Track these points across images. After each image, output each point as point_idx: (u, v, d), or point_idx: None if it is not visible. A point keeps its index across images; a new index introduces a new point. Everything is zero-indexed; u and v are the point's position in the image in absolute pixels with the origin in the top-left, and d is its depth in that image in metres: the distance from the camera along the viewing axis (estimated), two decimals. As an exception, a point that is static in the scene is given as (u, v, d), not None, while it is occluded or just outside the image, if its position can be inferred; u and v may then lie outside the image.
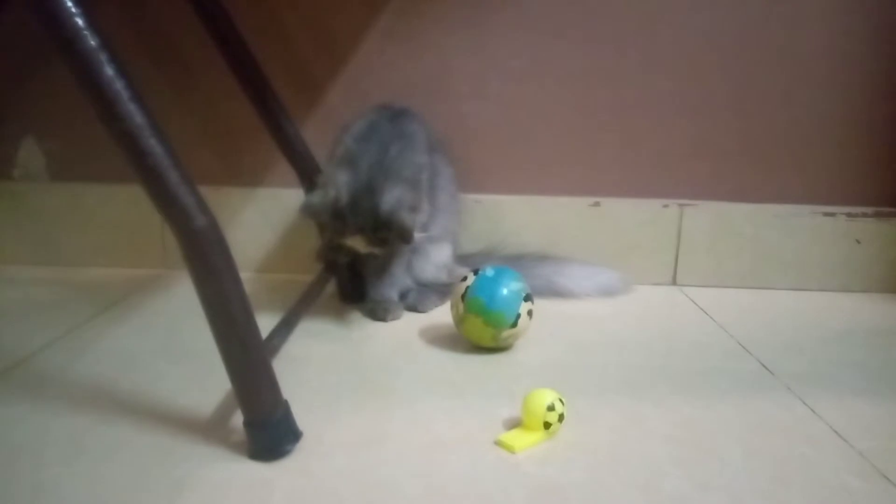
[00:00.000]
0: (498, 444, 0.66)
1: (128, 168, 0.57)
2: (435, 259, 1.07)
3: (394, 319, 1.00)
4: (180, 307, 1.03)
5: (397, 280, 1.04)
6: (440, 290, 1.06)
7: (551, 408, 0.66)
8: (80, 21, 0.55)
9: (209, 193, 1.14)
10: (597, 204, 1.20)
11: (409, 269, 1.07)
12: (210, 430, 0.67)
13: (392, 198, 0.90)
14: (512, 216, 1.21)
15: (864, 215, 1.19)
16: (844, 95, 1.16)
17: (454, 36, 1.15)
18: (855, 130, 1.18)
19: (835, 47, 1.15)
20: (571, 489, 0.59)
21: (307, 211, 0.93)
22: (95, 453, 0.63)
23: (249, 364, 0.59)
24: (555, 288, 1.12)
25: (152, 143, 0.56)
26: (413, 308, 1.05)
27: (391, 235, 0.91)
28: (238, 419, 0.63)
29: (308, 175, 1.08)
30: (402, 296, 1.06)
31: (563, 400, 0.67)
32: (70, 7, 0.54)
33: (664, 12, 1.14)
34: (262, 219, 1.21)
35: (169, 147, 0.57)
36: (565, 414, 0.67)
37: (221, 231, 0.59)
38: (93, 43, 0.55)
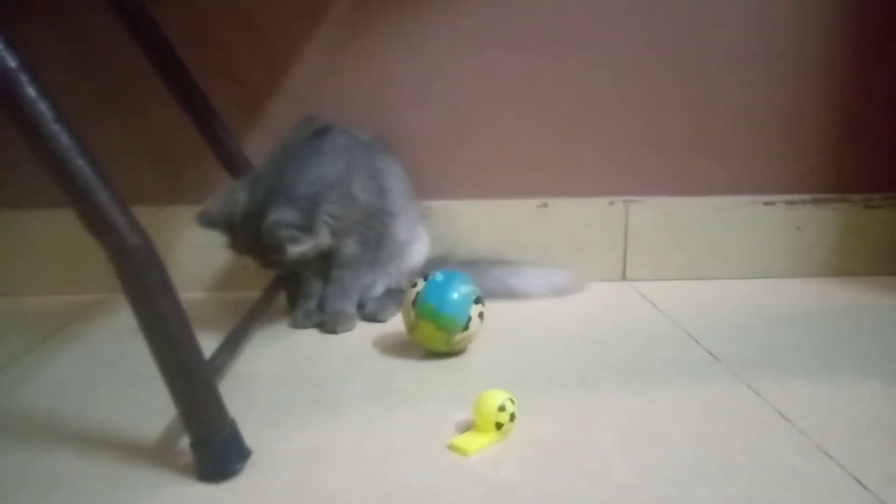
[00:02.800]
0: (451, 448, 0.66)
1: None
2: (412, 260, 1.09)
3: (345, 331, 0.99)
4: (126, 331, 1.01)
5: (351, 293, 1.04)
6: (399, 299, 1.06)
7: (502, 408, 0.66)
8: (-4, 43, 0.53)
9: (153, 213, 1.15)
10: (544, 205, 1.21)
11: (386, 272, 1.07)
12: (157, 454, 0.66)
13: (272, 220, 0.90)
14: (462, 221, 1.21)
15: (803, 202, 1.23)
16: (778, 87, 1.20)
17: (394, 45, 1.16)
18: (789, 120, 1.22)
19: (768, 41, 1.18)
20: (524, 488, 0.60)
21: (203, 220, 0.94)
22: (39, 486, 0.61)
23: (192, 384, 0.58)
24: (508, 289, 1.13)
25: (80, 164, 0.55)
26: (373, 317, 1.04)
27: (276, 256, 0.91)
28: (186, 441, 0.62)
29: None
30: (361, 305, 1.06)
31: (514, 399, 0.68)
32: (-15, 29, 0.53)
33: (602, 14, 1.16)
34: (208, 237, 1.19)
35: (98, 167, 0.56)
36: (517, 413, 0.67)
37: (156, 250, 0.58)
38: (12, 64, 0.54)
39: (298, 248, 0.91)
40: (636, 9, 1.16)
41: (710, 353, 0.90)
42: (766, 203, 1.23)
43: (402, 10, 1.15)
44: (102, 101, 1.15)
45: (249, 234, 0.92)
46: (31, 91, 0.54)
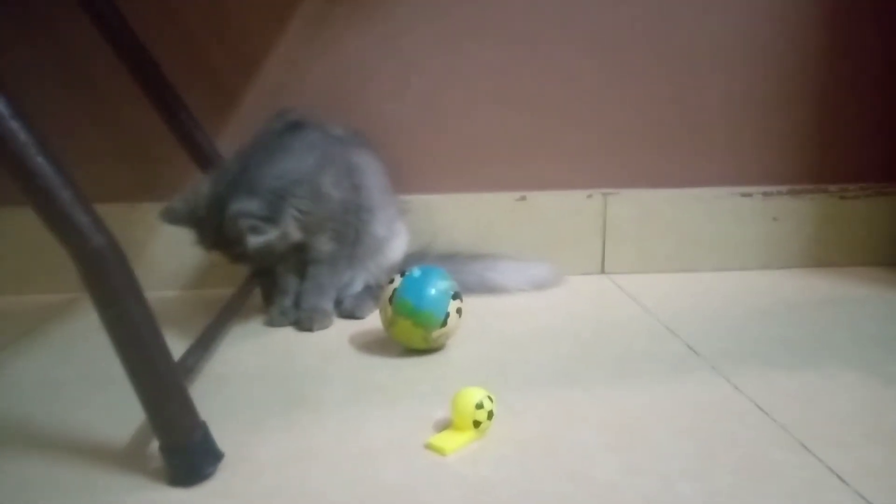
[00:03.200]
0: (429, 447, 0.65)
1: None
2: (391, 256, 1.08)
3: (321, 329, 0.98)
4: (97, 332, 0.98)
5: (327, 289, 1.02)
6: (376, 296, 1.04)
7: (480, 406, 0.65)
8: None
9: (127, 210, 1.12)
10: (523, 198, 1.21)
11: (365, 268, 1.06)
12: (127, 459, 0.64)
13: (233, 209, 0.88)
14: (440, 215, 1.20)
15: (780, 193, 1.24)
16: (753, 78, 1.20)
17: (370, 38, 1.14)
18: (765, 111, 1.22)
19: (743, 31, 1.18)
20: (504, 486, 0.59)
21: (168, 216, 0.92)
22: (7, 492, 0.59)
23: (160, 387, 0.57)
24: (487, 284, 1.12)
25: (39, 162, 0.53)
26: (350, 314, 1.03)
27: (241, 248, 0.89)
28: (157, 445, 0.60)
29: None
30: (339, 302, 1.04)
31: (492, 397, 0.67)
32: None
33: (580, 6, 1.15)
34: (182, 234, 1.17)
35: (59, 165, 0.54)
36: (495, 411, 0.67)
37: (121, 250, 0.56)
38: (-35, 59, 0.51)
39: (260, 239, 0.89)
40: (611, 2, 1.15)
41: (690, 347, 0.89)
42: (744, 194, 1.24)
43: (377, 3, 1.13)
44: (74, 99, 1.12)
45: (213, 227, 0.90)
46: (-15, 87, 0.52)
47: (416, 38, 1.15)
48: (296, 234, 0.94)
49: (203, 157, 1.03)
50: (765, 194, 1.23)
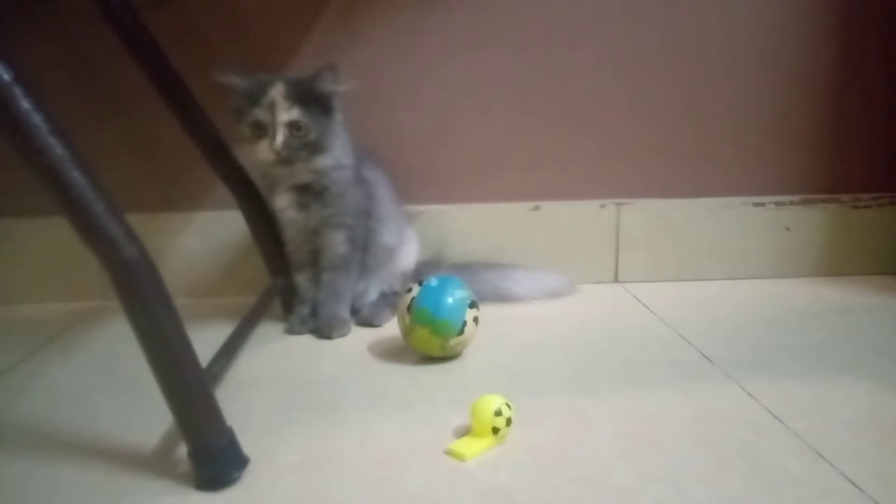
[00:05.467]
0: (448, 453, 0.66)
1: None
2: (402, 263, 1.10)
3: (340, 336, 1.00)
4: (120, 339, 1.01)
5: (343, 296, 1.04)
6: (393, 303, 1.06)
7: (498, 413, 0.66)
8: (-10, 56, 0.53)
9: (147, 221, 1.15)
10: (537, 208, 1.22)
11: (377, 277, 1.08)
12: (155, 463, 0.66)
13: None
14: (455, 225, 1.22)
15: (792, 203, 1.25)
16: (764, 89, 1.21)
17: (385, 48, 1.16)
18: (777, 121, 1.23)
19: (759, 43, 1.19)
20: (522, 492, 0.60)
21: (226, 71, 0.92)
22: (39, 496, 0.61)
23: (189, 394, 0.58)
24: (501, 293, 1.14)
25: (75, 176, 0.55)
26: (368, 322, 1.04)
27: (320, 87, 0.92)
28: (183, 449, 0.62)
29: (245, 196, 1.07)
30: (356, 311, 1.06)
31: (510, 404, 0.68)
32: (-21, 42, 0.53)
33: (593, 17, 1.17)
34: (202, 243, 1.19)
35: (93, 178, 0.56)
36: (513, 418, 0.68)
37: (152, 260, 0.58)
38: (6, 77, 0.54)
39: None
40: (627, 11, 1.17)
41: (703, 355, 0.90)
42: (756, 204, 1.24)
43: (392, 14, 1.15)
44: (97, 110, 1.15)
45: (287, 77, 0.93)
46: (26, 104, 0.54)
47: (429, 47, 1.17)
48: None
49: (225, 170, 1.04)
50: (777, 204, 1.24)
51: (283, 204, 0.99)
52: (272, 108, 0.91)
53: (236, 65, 0.93)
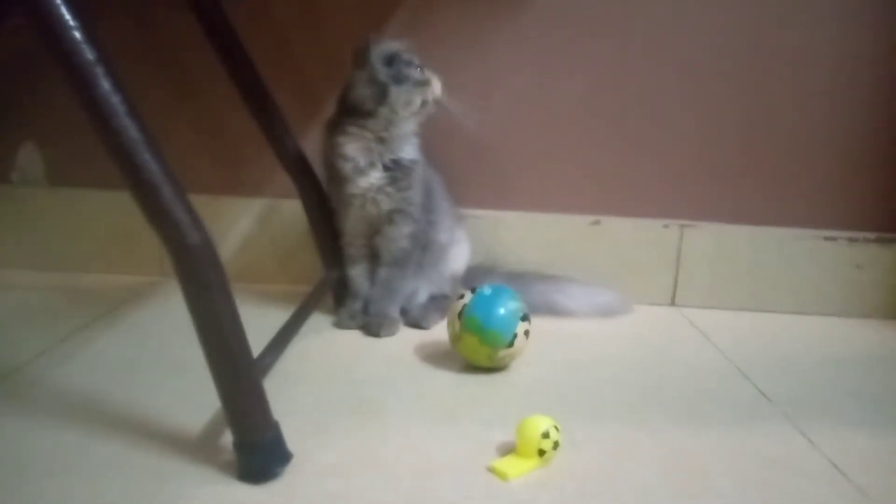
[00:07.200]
0: (491, 470, 0.65)
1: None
2: (452, 265, 1.09)
3: (388, 335, 0.99)
4: (175, 316, 1.02)
5: (396, 295, 1.04)
6: (442, 307, 1.05)
7: (546, 435, 0.65)
8: (77, 34, 0.54)
9: (208, 203, 1.16)
10: (597, 222, 1.19)
11: (427, 278, 1.07)
12: (199, 449, 0.66)
13: None
14: (511, 232, 1.20)
15: (866, 240, 1.19)
16: (849, 119, 1.16)
17: (457, 52, 1.15)
18: (858, 155, 1.17)
19: (841, 71, 1.14)
20: (564, 520, 0.58)
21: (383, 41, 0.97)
22: (81, 470, 0.62)
23: (240, 386, 0.58)
24: (553, 306, 1.11)
25: (147, 159, 0.56)
26: (416, 324, 1.04)
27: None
28: (228, 438, 0.62)
29: (306, 187, 1.07)
30: (404, 311, 1.05)
31: (559, 427, 0.66)
32: (68, 20, 0.54)
33: (669, 34, 1.14)
34: (260, 229, 1.21)
35: (164, 162, 0.56)
36: (560, 441, 0.66)
37: (215, 248, 0.58)
38: (90, 56, 0.54)
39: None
40: (702, 32, 1.13)
41: (761, 392, 0.87)
42: (827, 238, 1.19)
43: (466, 16, 1.14)
44: (170, 89, 1.18)
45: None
46: (106, 84, 0.55)
47: (501, 54, 1.15)
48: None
49: (289, 160, 1.05)
50: (850, 240, 1.19)
51: (371, 182, 0.98)
52: (420, 68, 0.97)
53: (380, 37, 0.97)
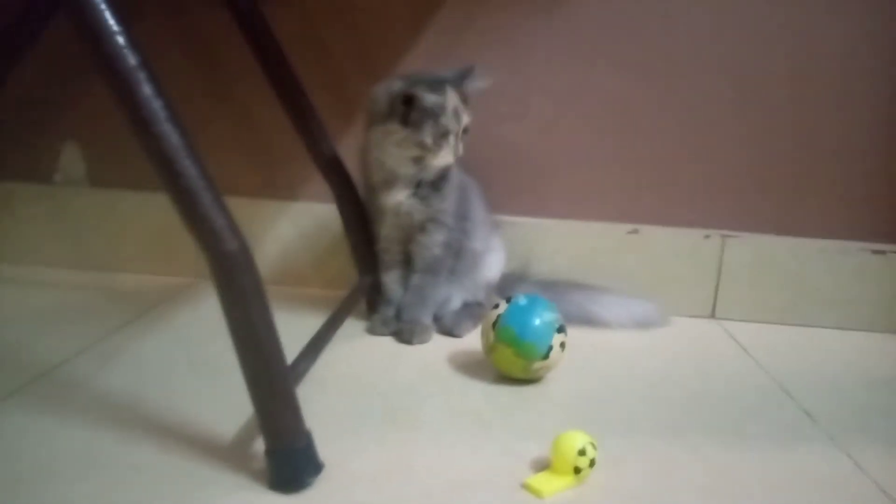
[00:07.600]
0: (525, 487, 0.63)
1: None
2: (487, 273, 1.08)
3: (420, 343, 0.98)
4: (211, 319, 1.03)
5: (429, 302, 1.03)
6: (475, 315, 1.04)
7: (582, 452, 0.63)
8: (120, 39, 0.54)
9: (244, 205, 1.17)
10: (635, 231, 1.17)
11: (461, 285, 1.06)
12: (231, 455, 0.66)
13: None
14: (547, 239, 1.18)
15: (917, 254, 1.15)
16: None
17: (495, 56, 1.14)
18: (909, 166, 1.13)
19: (890, 81, 1.10)
20: (600, 540, 0.57)
21: (411, 85, 0.92)
22: (111, 472, 0.63)
23: (273, 393, 0.58)
24: (588, 316, 1.09)
25: (186, 165, 0.56)
26: (448, 332, 1.03)
27: (475, 87, 0.95)
28: (260, 445, 0.62)
29: (342, 191, 1.07)
30: (437, 318, 1.05)
31: (595, 444, 0.65)
32: (112, 25, 0.54)
33: (711, 42, 1.11)
34: (295, 232, 1.21)
35: (203, 168, 0.56)
36: (596, 459, 0.64)
37: (252, 255, 0.58)
38: (132, 62, 0.55)
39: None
40: (749, 37, 1.10)
41: (805, 411, 0.84)
42: (875, 251, 1.15)
43: (503, 21, 1.13)
44: (208, 91, 1.18)
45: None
46: (148, 89, 0.55)
47: (539, 59, 1.14)
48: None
49: (325, 163, 1.05)
50: (899, 253, 1.15)
51: (401, 197, 0.97)
52: (456, 115, 0.93)
53: (407, 76, 0.94)
